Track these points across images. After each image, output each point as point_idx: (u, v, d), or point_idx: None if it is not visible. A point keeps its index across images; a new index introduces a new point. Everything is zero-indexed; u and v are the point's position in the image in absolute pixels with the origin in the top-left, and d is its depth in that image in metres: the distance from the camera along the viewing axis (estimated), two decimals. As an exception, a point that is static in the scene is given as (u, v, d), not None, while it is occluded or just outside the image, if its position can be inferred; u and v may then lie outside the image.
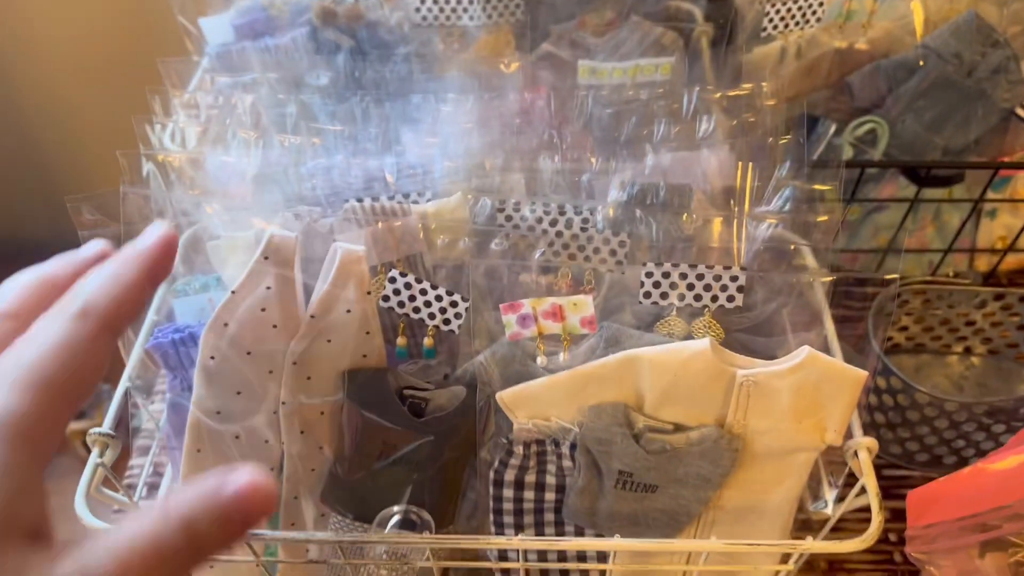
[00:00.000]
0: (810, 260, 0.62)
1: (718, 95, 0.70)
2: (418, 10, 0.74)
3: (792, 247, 0.60)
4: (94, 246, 0.32)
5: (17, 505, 0.25)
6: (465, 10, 0.74)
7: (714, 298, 0.52)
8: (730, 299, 0.52)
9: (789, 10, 0.72)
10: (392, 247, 0.55)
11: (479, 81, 0.69)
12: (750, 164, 0.61)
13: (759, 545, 0.48)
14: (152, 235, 0.31)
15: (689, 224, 0.58)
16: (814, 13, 0.73)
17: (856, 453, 0.49)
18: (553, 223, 0.57)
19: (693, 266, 0.51)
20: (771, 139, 0.61)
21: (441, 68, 0.75)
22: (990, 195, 0.79)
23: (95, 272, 0.30)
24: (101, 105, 1.35)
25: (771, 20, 0.73)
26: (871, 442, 0.49)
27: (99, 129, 1.40)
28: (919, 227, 0.82)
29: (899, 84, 0.74)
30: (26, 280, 0.31)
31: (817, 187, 0.56)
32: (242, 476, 0.26)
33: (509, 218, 0.57)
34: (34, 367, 0.26)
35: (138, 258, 0.30)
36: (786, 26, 0.73)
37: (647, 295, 0.52)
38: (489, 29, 0.77)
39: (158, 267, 0.30)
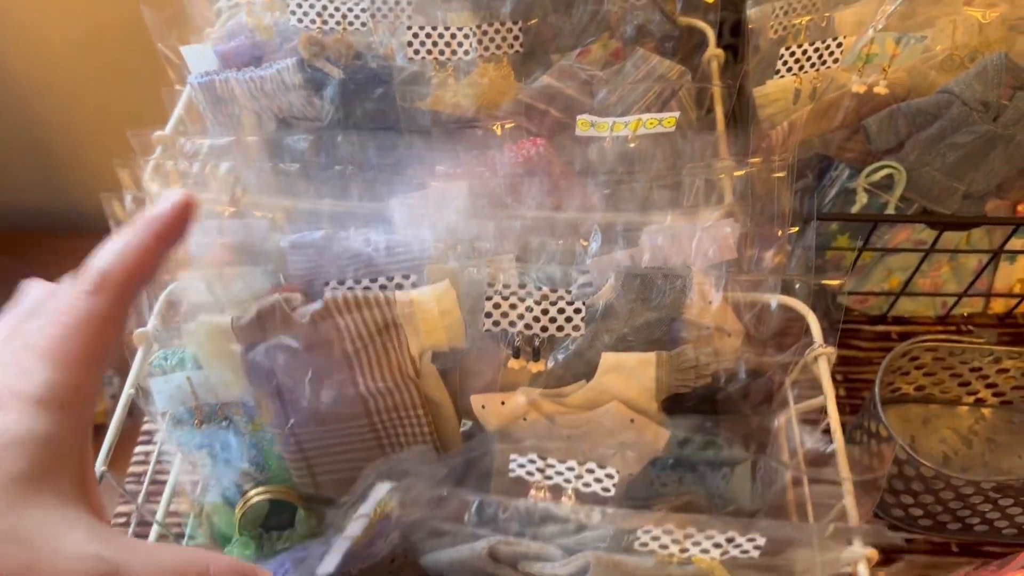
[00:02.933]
0: (815, 330, 0.59)
1: (725, 163, 0.66)
2: (410, 44, 0.69)
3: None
4: (170, 200, 0.33)
5: (59, 467, 0.27)
6: (460, 44, 0.70)
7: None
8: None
9: (805, 52, 0.68)
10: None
11: (472, 139, 0.66)
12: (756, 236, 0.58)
13: None
14: (167, 201, 0.32)
15: (688, 309, 0.55)
16: (831, 54, 0.68)
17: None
18: (544, 312, 0.54)
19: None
20: (779, 214, 0.58)
21: (436, 102, 0.71)
22: (1011, 242, 0.75)
23: (110, 242, 0.32)
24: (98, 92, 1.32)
25: (785, 63, 0.68)
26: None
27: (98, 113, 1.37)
28: (934, 268, 0.79)
29: (919, 129, 0.69)
30: (115, 251, 0.32)
31: (826, 281, 0.53)
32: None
33: (497, 306, 0.54)
34: (65, 343, 0.29)
35: (151, 224, 0.32)
36: (801, 68, 0.68)
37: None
38: (486, 59, 0.73)
39: (172, 231, 0.32)
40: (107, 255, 0.31)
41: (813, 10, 0.75)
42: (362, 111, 0.72)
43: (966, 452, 0.74)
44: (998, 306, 0.81)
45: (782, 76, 0.68)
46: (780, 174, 0.56)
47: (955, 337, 0.71)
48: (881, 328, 0.82)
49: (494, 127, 0.64)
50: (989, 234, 0.77)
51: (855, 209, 0.72)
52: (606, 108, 0.72)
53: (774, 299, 0.59)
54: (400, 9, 0.73)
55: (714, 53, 0.78)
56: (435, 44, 0.70)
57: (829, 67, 0.69)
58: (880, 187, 0.72)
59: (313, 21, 0.71)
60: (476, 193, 0.59)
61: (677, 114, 0.63)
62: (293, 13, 0.70)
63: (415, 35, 0.69)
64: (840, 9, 0.75)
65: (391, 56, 0.73)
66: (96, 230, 0.42)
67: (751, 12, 0.76)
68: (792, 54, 0.67)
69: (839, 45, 0.68)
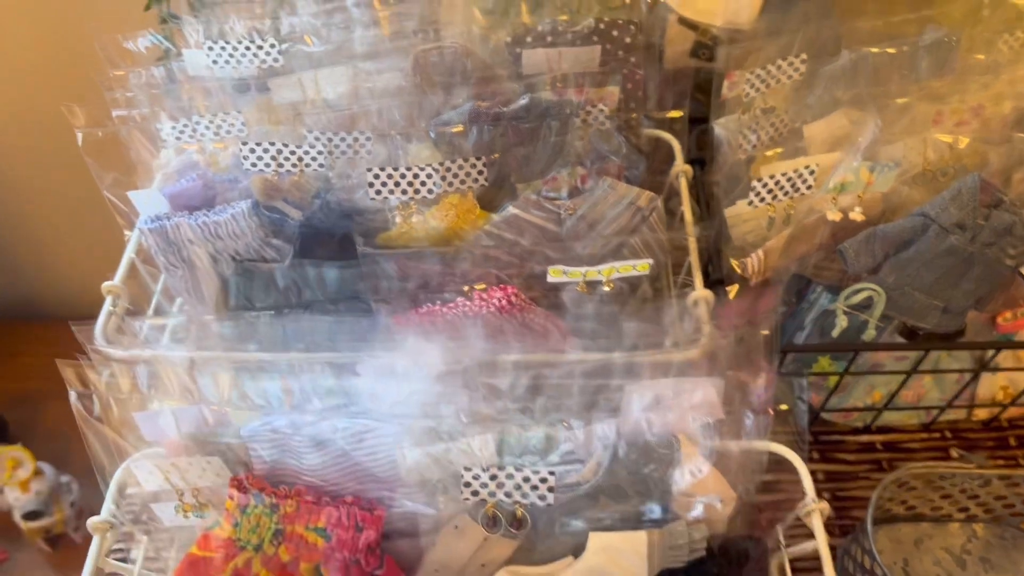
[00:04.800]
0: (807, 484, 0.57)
1: (702, 292, 0.64)
2: (372, 185, 0.66)
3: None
4: None
5: None
6: (423, 183, 0.67)
7: None
8: None
9: (777, 182, 0.66)
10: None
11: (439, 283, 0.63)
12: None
13: None
14: None
15: (678, 482, 0.53)
16: (804, 182, 0.66)
17: None
18: (526, 480, 0.51)
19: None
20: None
21: (400, 237, 0.68)
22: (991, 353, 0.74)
23: None
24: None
25: (758, 193, 0.66)
26: None
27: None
28: (916, 379, 0.77)
29: (896, 251, 0.68)
30: None
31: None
32: None
33: (476, 493, 0.51)
34: None
35: None
36: (774, 197, 0.67)
37: None
38: (450, 192, 0.70)
39: None
40: None
41: (781, 126, 0.74)
42: (323, 251, 0.69)
43: (961, 574, 0.72)
44: (982, 413, 0.79)
45: (755, 206, 0.67)
46: (764, 332, 0.54)
47: (944, 464, 0.69)
48: (865, 438, 0.80)
49: (464, 289, 0.61)
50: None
51: (836, 332, 0.70)
52: (575, 236, 0.70)
53: (765, 447, 0.57)
54: (359, 144, 0.70)
55: (682, 168, 0.77)
56: (397, 184, 0.67)
57: (802, 194, 0.67)
58: (860, 308, 0.70)
59: (268, 165, 0.68)
60: (448, 357, 0.56)
61: (650, 261, 0.61)
62: (246, 158, 0.67)
63: (376, 176, 0.66)
64: (808, 123, 0.74)
65: (350, 189, 0.70)
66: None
67: (718, 131, 0.75)
68: (765, 185, 0.66)
69: (811, 172, 0.66)
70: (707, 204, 0.79)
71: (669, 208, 0.80)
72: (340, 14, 0.73)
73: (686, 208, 0.73)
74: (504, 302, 0.61)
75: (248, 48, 0.72)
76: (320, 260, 0.69)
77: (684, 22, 0.94)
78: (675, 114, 0.75)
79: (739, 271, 0.68)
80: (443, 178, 0.68)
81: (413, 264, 0.62)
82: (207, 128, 0.70)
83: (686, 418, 0.54)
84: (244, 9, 0.76)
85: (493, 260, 0.70)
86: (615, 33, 0.75)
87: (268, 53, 0.72)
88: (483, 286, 0.61)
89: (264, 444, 0.52)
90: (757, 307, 0.58)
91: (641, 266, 0.61)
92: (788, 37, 0.71)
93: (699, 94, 0.88)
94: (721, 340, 0.65)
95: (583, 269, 0.61)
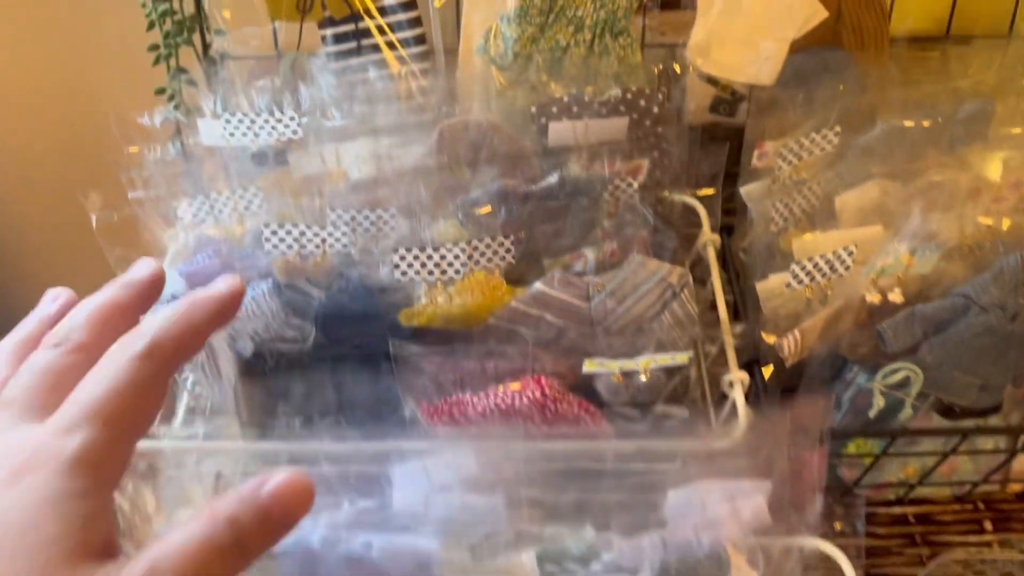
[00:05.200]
0: None
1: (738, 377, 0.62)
2: (397, 266, 0.64)
3: None
4: (145, 267, 0.35)
5: (90, 527, 0.28)
6: (450, 264, 0.65)
7: None
8: None
9: (816, 265, 0.64)
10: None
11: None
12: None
13: None
14: (222, 284, 0.34)
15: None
16: (843, 263, 0.65)
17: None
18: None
19: None
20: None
21: (423, 317, 0.66)
22: (1028, 426, 0.72)
23: (165, 312, 0.32)
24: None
25: (796, 276, 0.64)
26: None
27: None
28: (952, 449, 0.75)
29: (936, 331, 0.66)
30: (92, 310, 0.33)
31: None
32: (279, 475, 0.29)
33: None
34: (106, 403, 0.29)
35: (207, 303, 0.33)
36: (812, 279, 0.65)
37: None
38: (476, 270, 0.68)
39: (225, 314, 0.34)
40: (161, 324, 0.32)
41: (812, 197, 0.72)
42: (346, 330, 0.67)
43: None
44: (1016, 485, 0.78)
45: (793, 288, 0.65)
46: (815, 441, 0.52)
47: (988, 551, 0.67)
48: (898, 510, 0.79)
49: (500, 389, 0.59)
50: (1005, 418, 0.74)
51: (873, 412, 0.68)
52: (603, 313, 0.68)
53: (814, 545, 0.55)
54: (383, 222, 0.68)
55: (710, 238, 0.75)
56: (423, 265, 0.65)
57: (840, 275, 0.65)
58: (897, 387, 0.68)
59: (290, 247, 0.65)
60: (482, 459, 0.54)
61: (690, 353, 0.59)
62: (267, 240, 0.65)
63: (402, 257, 0.64)
64: (840, 192, 0.72)
65: (372, 265, 0.69)
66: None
67: (746, 200, 0.74)
68: (803, 268, 0.64)
69: (850, 254, 0.64)
70: (736, 274, 0.77)
71: (695, 274, 0.78)
72: (362, 87, 0.71)
73: (716, 285, 0.71)
74: (538, 394, 0.59)
75: (267, 120, 0.70)
76: (341, 343, 0.67)
77: (704, 78, 0.93)
78: (707, 192, 0.73)
79: (776, 351, 0.66)
80: (470, 257, 0.66)
81: (444, 357, 0.60)
82: (224, 205, 0.68)
83: (734, 528, 0.52)
84: (262, 80, 0.75)
85: (517, 338, 0.69)
86: (642, 103, 0.73)
87: (287, 125, 0.70)
88: (517, 385, 0.59)
89: (293, 564, 0.50)
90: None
91: (680, 357, 0.59)
92: (822, 109, 0.69)
93: (720, 151, 0.86)
94: (761, 426, 0.63)
95: (620, 362, 0.59)
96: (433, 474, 0.53)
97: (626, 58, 0.88)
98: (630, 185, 0.70)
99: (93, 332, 0.33)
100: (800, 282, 0.65)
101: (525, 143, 0.71)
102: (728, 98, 0.94)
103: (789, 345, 0.66)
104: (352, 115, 0.70)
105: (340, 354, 0.67)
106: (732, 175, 0.94)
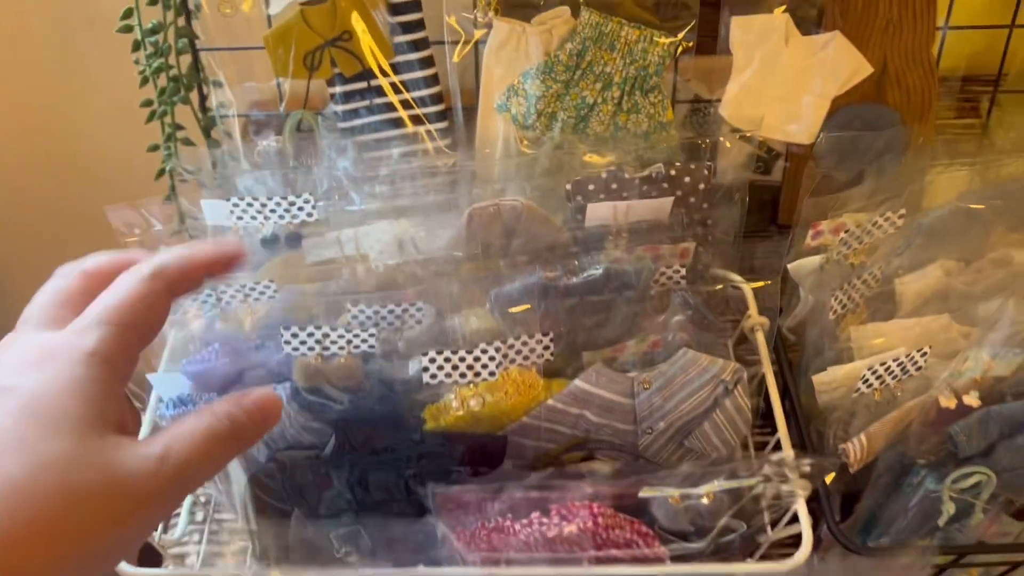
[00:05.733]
0: None
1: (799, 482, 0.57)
2: (427, 369, 0.58)
3: None
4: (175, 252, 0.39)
5: (107, 404, 0.33)
6: (484, 366, 0.59)
7: None
8: None
9: (888, 368, 0.59)
10: None
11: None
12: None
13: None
14: (228, 242, 0.46)
15: None
16: (915, 364, 0.59)
17: None
18: None
19: None
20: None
21: (448, 418, 0.60)
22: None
23: (172, 248, 0.38)
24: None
25: (866, 380, 0.59)
26: None
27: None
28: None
29: (1012, 433, 0.61)
30: (107, 255, 0.39)
31: None
32: (256, 390, 0.37)
33: None
34: (118, 311, 0.35)
35: (209, 248, 0.39)
36: (883, 383, 0.59)
37: None
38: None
39: (223, 263, 0.39)
40: (169, 256, 0.37)
41: (872, 282, 0.67)
42: (369, 434, 0.61)
43: None
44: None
45: (863, 392, 0.59)
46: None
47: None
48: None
49: (546, 517, 0.53)
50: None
51: (943, 520, 0.63)
52: (649, 412, 0.62)
53: None
54: (408, 315, 0.62)
55: (758, 322, 0.69)
56: (455, 367, 0.59)
57: (912, 376, 0.60)
58: (967, 491, 0.63)
59: (312, 348, 0.59)
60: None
61: (760, 479, 0.53)
62: (288, 343, 0.59)
63: (432, 360, 0.58)
64: (901, 276, 0.67)
65: (391, 356, 0.62)
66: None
67: (798, 282, 0.68)
68: (874, 371, 0.58)
69: (924, 355, 0.59)
70: (787, 359, 0.71)
71: (738, 354, 0.73)
72: (384, 167, 0.65)
73: (768, 373, 0.66)
74: (590, 522, 0.53)
75: (279, 203, 0.63)
76: (362, 447, 0.60)
77: (739, 134, 0.88)
78: (758, 284, 0.67)
79: (842, 458, 0.61)
80: (505, 355, 0.60)
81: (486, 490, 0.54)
82: (233, 297, 0.62)
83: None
84: (264, 140, 0.69)
85: (554, 436, 0.63)
86: (687, 180, 0.67)
87: (301, 208, 0.64)
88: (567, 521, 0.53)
89: None
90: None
91: (748, 483, 0.53)
92: (889, 192, 0.63)
93: (756, 210, 0.81)
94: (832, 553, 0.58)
95: (679, 491, 0.53)
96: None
97: (656, 116, 0.83)
98: (677, 272, 0.64)
99: (103, 266, 0.38)
100: (870, 386, 0.59)
101: (560, 228, 0.65)
102: (764, 155, 0.89)
103: (855, 451, 0.61)
104: (372, 195, 0.63)
105: (359, 460, 0.61)
106: (761, 233, 0.89)
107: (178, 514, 0.68)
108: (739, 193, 0.68)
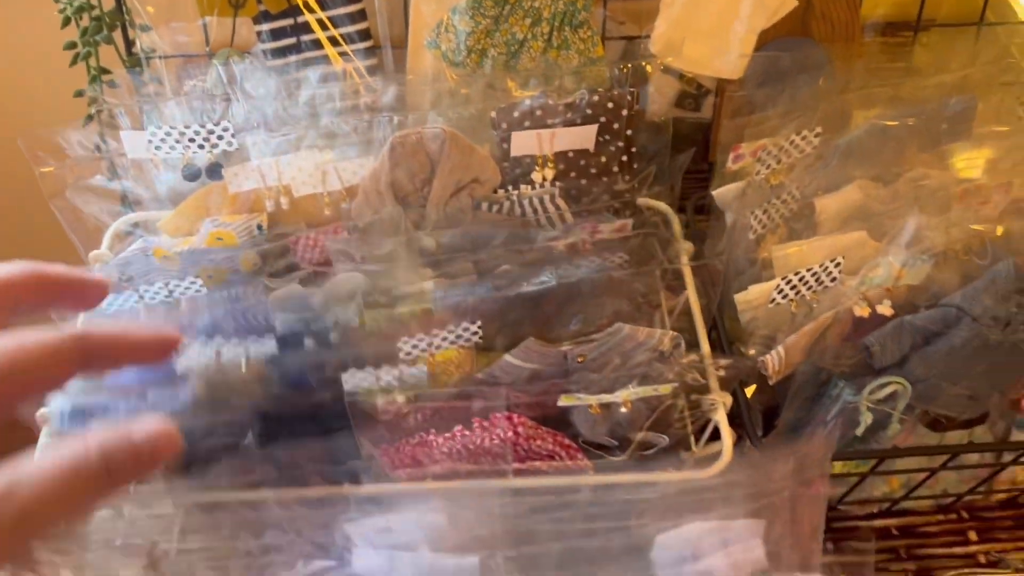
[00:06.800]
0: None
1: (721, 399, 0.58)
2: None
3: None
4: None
5: None
6: (408, 353, 0.57)
7: None
8: None
9: (802, 278, 0.60)
10: None
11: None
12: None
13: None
14: (166, 327, 0.36)
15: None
16: (829, 275, 0.61)
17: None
18: None
19: None
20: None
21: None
22: (1015, 434, 0.70)
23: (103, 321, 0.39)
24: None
25: (781, 291, 0.60)
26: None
27: None
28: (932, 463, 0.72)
29: (925, 343, 0.63)
30: (23, 265, 0.34)
31: None
32: (152, 420, 0.30)
33: None
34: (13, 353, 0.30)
35: (145, 330, 0.36)
36: (797, 294, 0.61)
37: None
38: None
39: (156, 350, 0.35)
40: (98, 326, 0.34)
41: (791, 201, 0.68)
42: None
43: None
44: (1001, 494, 0.75)
45: (778, 304, 0.61)
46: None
47: (978, 571, 0.64)
48: (880, 523, 0.76)
49: (468, 429, 0.53)
50: (992, 429, 0.71)
51: (861, 430, 0.65)
52: (585, 388, 0.60)
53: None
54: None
55: (683, 247, 0.70)
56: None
57: (827, 288, 0.61)
58: (884, 402, 0.65)
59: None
60: (452, 512, 0.49)
61: (674, 384, 0.54)
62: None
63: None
64: (820, 196, 0.68)
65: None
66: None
67: (722, 207, 0.69)
68: (788, 282, 0.60)
69: (837, 266, 0.60)
70: (711, 281, 0.72)
71: (668, 283, 0.74)
72: (304, 92, 0.64)
73: (692, 296, 0.67)
74: (510, 432, 0.54)
75: (197, 132, 0.63)
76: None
77: (668, 71, 0.88)
78: (644, 201, 0.68)
79: (761, 370, 0.62)
80: (430, 343, 0.58)
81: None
82: (156, 294, 0.60)
83: (725, 568, 0.47)
84: (192, 80, 0.68)
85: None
86: (610, 105, 0.68)
87: (220, 136, 0.63)
88: (485, 424, 0.53)
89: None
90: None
91: (663, 388, 0.54)
92: (803, 111, 0.65)
93: (686, 147, 0.82)
94: (750, 455, 0.59)
95: (598, 396, 0.54)
96: (397, 531, 0.47)
97: (587, 52, 0.83)
98: (622, 258, 0.64)
99: (13, 276, 0.34)
100: (785, 297, 0.61)
101: (486, 157, 0.65)
102: (693, 92, 0.90)
103: (773, 363, 0.62)
104: (293, 123, 0.63)
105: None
106: (697, 173, 0.90)
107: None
108: (664, 119, 0.69)
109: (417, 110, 0.74)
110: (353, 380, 0.55)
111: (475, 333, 0.57)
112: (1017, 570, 0.64)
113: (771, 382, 0.63)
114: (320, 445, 0.54)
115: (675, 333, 0.60)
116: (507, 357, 0.57)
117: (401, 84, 0.78)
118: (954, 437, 0.70)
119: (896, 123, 0.65)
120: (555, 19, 0.81)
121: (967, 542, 0.75)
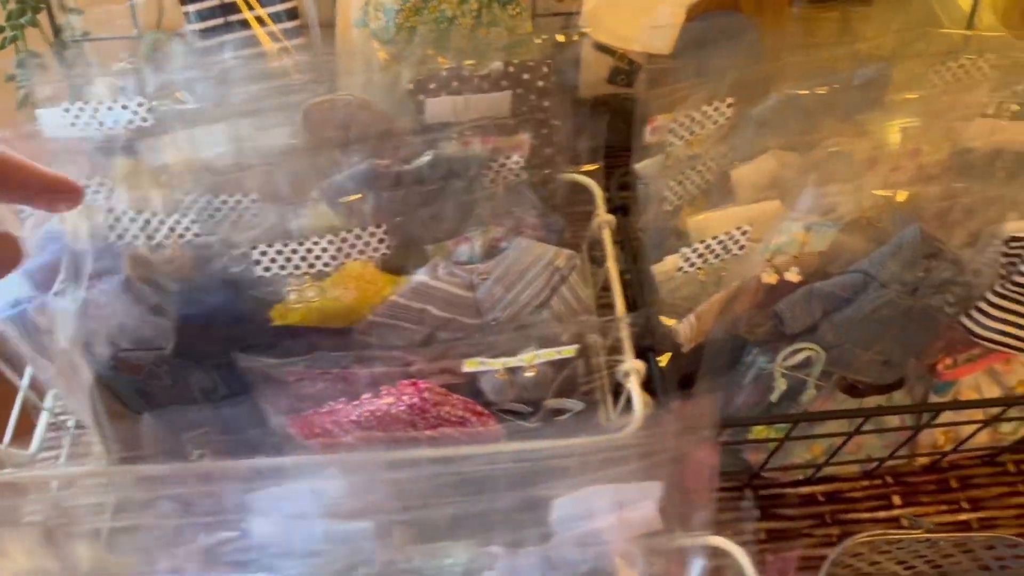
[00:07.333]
0: None
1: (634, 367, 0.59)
2: (258, 262, 0.59)
3: None
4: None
5: None
6: (318, 256, 0.60)
7: None
8: None
9: (708, 246, 0.61)
10: None
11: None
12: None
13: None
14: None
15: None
16: (736, 243, 0.61)
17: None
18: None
19: None
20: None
21: (294, 316, 0.61)
22: (933, 398, 0.71)
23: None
24: None
25: (687, 259, 0.61)
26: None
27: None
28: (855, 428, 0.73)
29: (835, 309, 0.64)
30: None
31: None
32: None
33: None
34: None
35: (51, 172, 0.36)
36: (705, 261, 0.62)
37: None
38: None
39: (60, 189, 0.36)
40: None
41: (707, 172, 0.69)
42: (213, 331, 0.61)
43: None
44: (923, 458, 0.76)
45: (686, 272, 0.61)
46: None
47: (893, 532, 0.65)
48: (806, 490, 0.77)
49: (375, 396, 0.54)
50: (911, 393, 0.72)
51: (775, 396, 0.65)
52: (490, 302, 0.63)
53: (706, 542, 0.52)
54: (243, 208, 0.62)
55: (605, 219, 0.71)
56: (288, 259, 0.60)
57: (735, 255, 0.62)
58: (798, 367, 0.66)
59: (136, 236, 0.59)
60: (349, 478, 0.49)
61: (576, 346, 0.55)
62: (112, 228, 0.59)
63: (263, 253, 0.59)
64: (736, 166, 0.69)
65: (237, 259, 0.63)
66: None
67: (642, 181, 0.70)
68: (695, 250, 0.61)
69: (744, 234, 0.61)
70: (634, 255, 0.73)
71: (594, 257, 0.74)
72: (218, 66, 0.64)
73: (612, 271, 0.68)
74: (416, 399, 0.55)
75: (111, 108, 0.63)
76: (207, 345, 0.61)
77: (600, 47, 0.89)
78: (590, 167, 0.69)
79: (674, 339, 0.63)
80: (339, 249, 0.60)
81: (306, 366, 0.55)
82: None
83: (622, 537, 0.48)
84: (107, 65, 0.68)
85: (401, 333, 0.64)
86: (526, 76, 0.68)
87: (135, 112, 0.64)
88: (391, 392, 0.54)
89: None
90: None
91: (566, 351, 0.55)
92: (714, 80, 0.65)
93: (621, 123, 0.82)
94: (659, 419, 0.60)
95: (502, 359, 0.54)
96: (293, 500, 0.48)
97: (516, 28, 0.84)
98: (516, 163, 0.65)
99: None
100: (692, 265, 0.61)
101: (398, 121, 0.65)
102: (626, 68, 0.90)
103: (685, 330, 0.63)
104: (207, 97, 0.63)
105: (208, 358, 0.62)
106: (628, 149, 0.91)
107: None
108: (582, 91, 0.70)
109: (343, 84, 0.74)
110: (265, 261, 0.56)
111: (382, 240, 0.58)
112: (929, 530, 0.65)
113: (684, 350, 0.64)
114: (224, 414, 0.55)
115: (571, 252, 0.61)
116: (417, 276, 0.59)
117: (331, 62, 0.78)
118: (873, 402, 0.71)
119: (806, 92, 0.65)
120: (483, -4, 0.81)
121: (891, 506, 0.76)
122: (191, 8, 0.80)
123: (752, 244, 0.62)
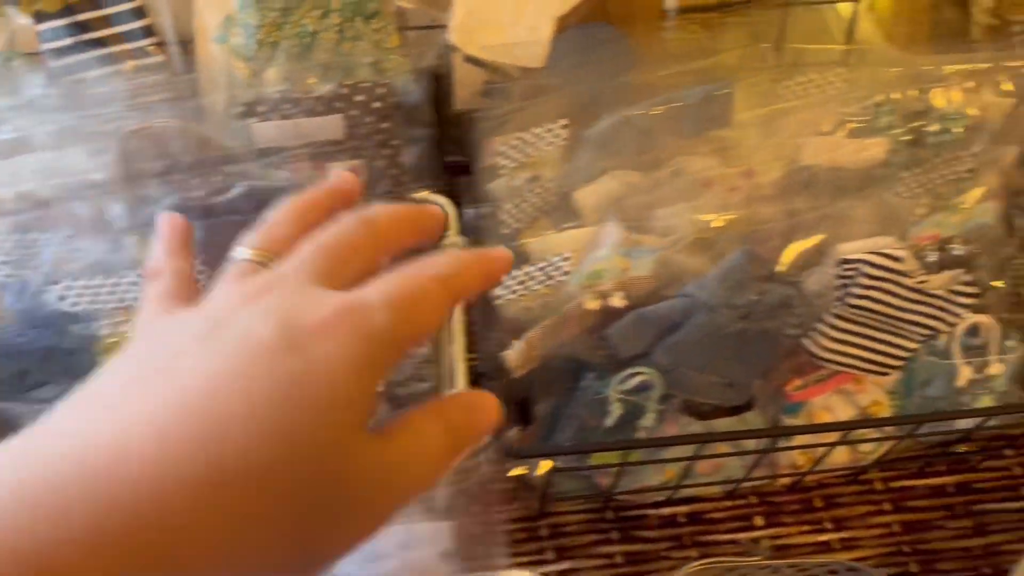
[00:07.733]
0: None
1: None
2: (63, 298, 0.58)
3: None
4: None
5: (374, 401, 0.29)
6: (127, 291, 0.58)
7: None
8: None
9: (529, 273, 0.60)
10: None
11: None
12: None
13: None
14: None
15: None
16: (558, 270, 0.60)
17: None
18: None
19: None
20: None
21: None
22: (785, 421, 0.70)
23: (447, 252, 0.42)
24: None
25: (508, 287, 0.60)
26: None
27: None
28: (712, 449, 0.72)
29: (666, 333, 0.63)
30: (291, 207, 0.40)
31: None
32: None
33: None
34: (411, 301, 0.30)
35: (476, 253, 0.39)
36: (528, 289, 0.60)
37: None
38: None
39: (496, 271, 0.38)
40: (449, 259, 0.36)
41: (547, 195, 0.68)
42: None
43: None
44: (784, 479, 0.75)
45: (507, 300, 0.60)
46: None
47: (728, 559, 0.64)
48: (668, 511, 0.76)
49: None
50: (764, 412, 0.71)
51: (611, 420, 0.65)
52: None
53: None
54: (58, 243, 0.61)
55: (455, 241, 0.69)
56: (96, 295, 0.58)
57: (557, 283, 0.61)
58: (637, 391, 0.65)
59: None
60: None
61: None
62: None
63: (68, 288, 0.58)
64: (579, 188, 0.68)
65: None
66: None
67: (492, 203, 0.68)
68: (515, 278, 0.59)
69: (565, 260, 0.60)
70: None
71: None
72: (28, 92, 0.63)
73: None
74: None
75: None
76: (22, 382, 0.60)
77: (471, 60, 0.87)
78: (422, 195, 0.67)
79: (503, 364, 0.62)
80: None
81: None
82: None
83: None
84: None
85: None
86: (360, 98, 0.67)
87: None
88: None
89: None
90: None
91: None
92: (547, 100, 0.64)
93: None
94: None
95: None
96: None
97: (381, 43, 0.82)
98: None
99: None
100: (513, 292, 0.60)
101: (228, 146, 0.64)
102: (499, 81, 0.89)
103: (513, 357, 0.62)
104: (24, 127, 0.62)
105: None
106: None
107: None
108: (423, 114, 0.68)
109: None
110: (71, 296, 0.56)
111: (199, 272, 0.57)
112: (768, 556, 0.64)
113: (515, 376, 0.63)
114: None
115: None
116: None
117: (191, 81, 0.77)
118: (723, 424, 0.70)
119: (641, 112, 0.64)
120: (345, 10, 0.80)
121: (752, 527, 0.75)
122: (43, 27, 0.78)
123: (576, 270, 0.61)
